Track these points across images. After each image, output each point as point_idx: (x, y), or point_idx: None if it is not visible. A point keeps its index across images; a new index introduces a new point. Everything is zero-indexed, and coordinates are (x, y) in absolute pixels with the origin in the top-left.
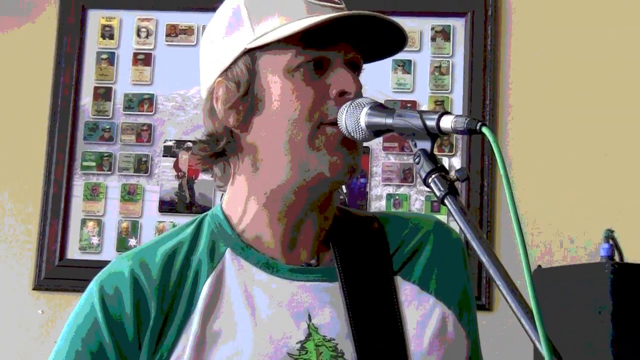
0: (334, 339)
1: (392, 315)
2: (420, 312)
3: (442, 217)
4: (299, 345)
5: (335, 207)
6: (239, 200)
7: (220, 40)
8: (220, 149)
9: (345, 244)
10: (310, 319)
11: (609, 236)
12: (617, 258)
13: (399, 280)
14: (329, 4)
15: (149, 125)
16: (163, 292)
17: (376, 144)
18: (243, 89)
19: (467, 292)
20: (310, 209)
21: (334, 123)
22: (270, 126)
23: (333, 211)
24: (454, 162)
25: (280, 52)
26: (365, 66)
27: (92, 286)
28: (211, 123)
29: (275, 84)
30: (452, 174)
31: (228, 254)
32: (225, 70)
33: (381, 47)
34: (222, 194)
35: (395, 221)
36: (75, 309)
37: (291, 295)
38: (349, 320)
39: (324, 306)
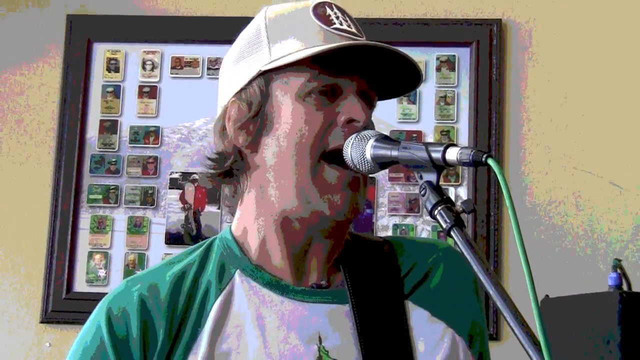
0: None
1: (402, 339)
2: (431, 338)
3: None
4: None
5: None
6: (248, 220)
7: (240, 60)
8: (228, 167)
9: (356, 266)
10: (320, 341)
11: (617, 265)
12: (625, 287)
13: (409, 304)
14: (346, 34)
15: (155, 158)
16: (172, 314)
17: (382, 174)
18: (254, 110)
19: (479, 323)
20: (318, 237)
21: (337, 156)
22: (278, 148)
23: (344, 237)
24: (460, 192)
25: (294, 76)
26: None
27: (99, 307)
28: (221, 142)
29: (287, 107)
30: (458, 206)
31: (237, 275)
32: (240, 90)
33: (395, 82)
34: (230, 225)
35: (407, 245)
36: (82, 330)
37: (302, 317)
38: (360, 344)
39: (335, 329)
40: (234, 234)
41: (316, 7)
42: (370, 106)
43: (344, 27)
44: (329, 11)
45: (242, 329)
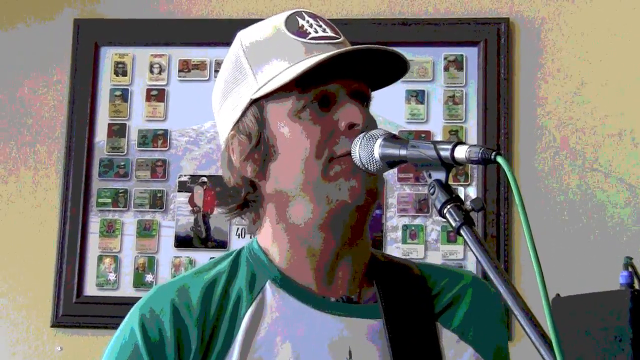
0: None
1: (435, 358)
2: None
3: (459, 247)
4: None
5: (376, 251)
6: (271, 241)
7: (229, 93)
8: (242, 200)
9: (388, 283)
10: (350, 356)
11: (628, 263)
12: (636, 285)
13: (438, 325)
14: (325, 41)
15: (164, 161)
16: (204, 322)
17: (391, 175)
18: (255, 139)
19: (503, 349)
20: (342, 245)
21: (346, 156)
22: (285, 170)
23: (368, 246)
24: (470, 192)
25: (283, 98)
26: (379, 97)
27: (132, 313)
28: (230, 175)
29: (284, 129)
30: (468, 204)
31: (269, 285)
32: (237, 122)
33: (384, 75)
34: (239, 227)
35: (434, 270)
36: (114, 338)
37: (332, 330)
38: None
39: (366, 345)
40: (261, 245)
41: (287, 22)
42: (366, 103)
43: (320, 33)
44: (301, 22)
45: (273, 339)
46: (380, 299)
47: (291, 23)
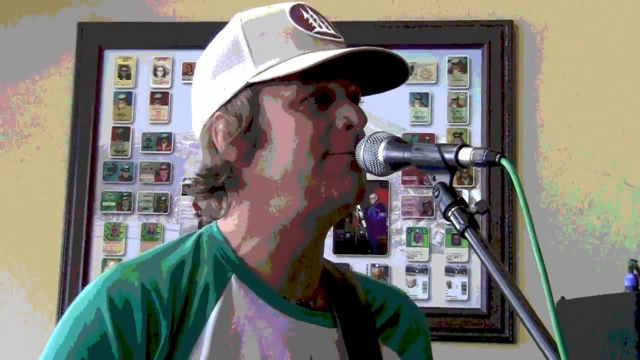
0: None
1: None
2: None
3: (464, 250)
4: None
5: (323, 260)
6: (239, 231)
7: (220, 72)
8: (220, 184)
9: (337, 293)
10: None
11: (633, 266)
12: None
13: (379, 341)
14: (329, 37)
15: (168, 164)
16: (172, 311)
17: (395, 177)
18: (245, 124)
19: None
20: (311, 241)
21: (340, 154)
22: (274, 159)
23: (323, 251)
24: (474, 194)
25: (283, 86)
26: (383, 100)
27: (98, 292)
28: (209, 157)
29: (280, 118)
30: (472, 207)
31: (234, 279)
32: (225, 104)
33: (385, 79)
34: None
35: (372, 285)
36: (75, 311)
37: (296, 334)
38: None
39: (326, 351)
40: (222, 230)
41: (293, 11)
42: (357, 102)
43: (324, 29)
44: (305, 15)
45: (239, 337)
46: (333, 308)
47: (296, 13)
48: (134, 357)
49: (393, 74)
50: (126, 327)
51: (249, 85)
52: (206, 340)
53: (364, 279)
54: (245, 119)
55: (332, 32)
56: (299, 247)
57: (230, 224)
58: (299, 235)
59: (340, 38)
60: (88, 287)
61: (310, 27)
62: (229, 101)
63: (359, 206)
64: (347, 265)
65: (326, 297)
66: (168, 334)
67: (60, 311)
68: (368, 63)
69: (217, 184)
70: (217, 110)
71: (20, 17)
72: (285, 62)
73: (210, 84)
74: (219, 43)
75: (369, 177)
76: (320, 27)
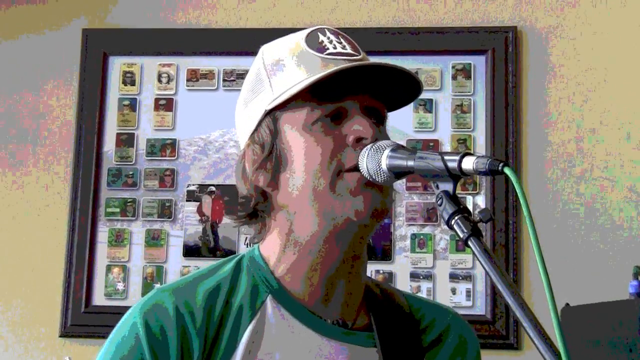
0: None
1: None
2: None
3: (468, 256)
4: None
5: (368, 278)
6: (274, 253)
7: (248, 103)
8: (252, 209)
9: (382, 312)
10: None
11: (638, 273)
12: None
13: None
14: (341, 57)
15: (172, 170)
16: (206, 332)
17: (399, 184)
18: (267, 149)
19: None
20: (343, 259)
21: (354, 169)
22: (295, 180)
23: (364, 270)
24: (478, 201)
25: (298, 109)
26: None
27: (136, 318)
28: (244, 185)
29: (296, 140)
30: (476, 215)
31: (269, 300)
32: (252, 133)
33: (398, 91)
34: (248, 237)
35: (421, 303)
36: (117, 336)
37: (330, 353)
38: None
39: None
40: (262, 254)
41: (308, 38)
42: (379, 119)
43: (338, 49)
44: (321, 37)
45: (273, 357)
46: (375, 328)
47: (312, 39)
48: None
49: (405, 90)
50: (161, 351)
51: (269, 113)
52: (239, 356)
53: (412, 297)
54: (267, 145)
55: (347, 50)
56: (331, 266)
57: (268, 246)
58: (330, 255)
59: (357, 55)
60: (130, 310)
61: (323, 50)
62: (255, 130)
63: None
64: None
65: (369, 316)
66: (200, 353)
67: (65, 315)
68: (382, 78)
69: (249, 210)
70: (247, 140)
71: (26, 24)
72: (295, 85)
73: (243, 113)
74: (248, 75)
75: None
76: (335, 47)
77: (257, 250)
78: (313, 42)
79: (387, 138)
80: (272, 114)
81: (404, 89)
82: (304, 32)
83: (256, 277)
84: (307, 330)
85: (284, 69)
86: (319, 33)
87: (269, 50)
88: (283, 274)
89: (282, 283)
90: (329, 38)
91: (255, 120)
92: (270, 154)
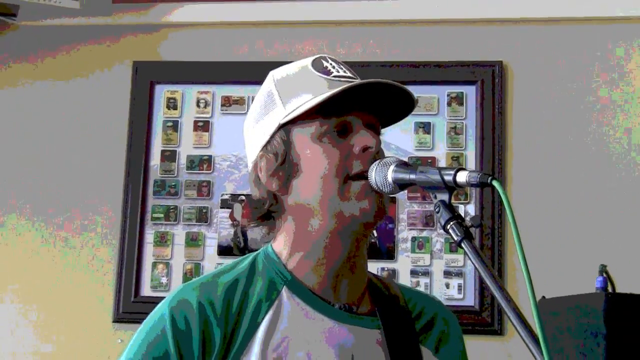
0: None
1: None
2: None
3: (460, 256)
4: None
5: (369, 273)
6: (286, 248)
7: (260, 120)
8: (265, 211)
9: (381, 300)
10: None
11: (603, 270)
12: (610, 289)
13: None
14: (345, 79)
15: (208, 182)
16: (225, 321)
17: (402, 194)
18: (281, 158)
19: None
20: (348, 253)
21: (360, 176)
22: (306, 185)
23: (365, 263)
24: (469, 209)
25: (308, 123)
26: (391, 127)
27: (165, 311)
28: (257, 190)
29: (307, 149)
30: (468, 221)
31: (285, 291)
32: (265, 145)
33: (395, 111)
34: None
35: (412, 294)
36: (147, 326)
37: (339, 336)
38: None
39: (367, 352)
40: (275, 250)
41: (314, 62)
42: (377, 133)
43: (341, 73)
44: (325, 64)
45: (289, 341)
46: (379, 313)
47: (317, 64)
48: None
49: (402, 106)
50: (185, 343)
51: (281, 127)
52: (258, 340)
53: (405, 289)
54: (280, 154)
55: (349, 75)
56: (336, 259)
57: (280, 243)
58: (335, 249)
59: (356, 79)
60: (159, 305)
61: (328, 73)
62: (268, 142)
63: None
64: None
65: (371, 303)
66: (221, 341)
67: (117, 303)
68: (381, 97)
69: (263, 211)
70: (260, 151)
71: (89, 64)
72: (306, 102)
73: (254, 129)
74: (259, 96)
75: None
76: (338, 72)
77: (270, 248)
78: (319, 66)
79: (384, 154)
80: (284, 127)
81: (401, 106)
82: (310, 59)
83: (271, 270)
84: (318, 314)
85: (294, 89)
86: (322, 60)
87: (279, 73)
88: (294, 266)
89: (294, 274)
90: (331, 64)
91: (268, 133)
92: (283, 163)
